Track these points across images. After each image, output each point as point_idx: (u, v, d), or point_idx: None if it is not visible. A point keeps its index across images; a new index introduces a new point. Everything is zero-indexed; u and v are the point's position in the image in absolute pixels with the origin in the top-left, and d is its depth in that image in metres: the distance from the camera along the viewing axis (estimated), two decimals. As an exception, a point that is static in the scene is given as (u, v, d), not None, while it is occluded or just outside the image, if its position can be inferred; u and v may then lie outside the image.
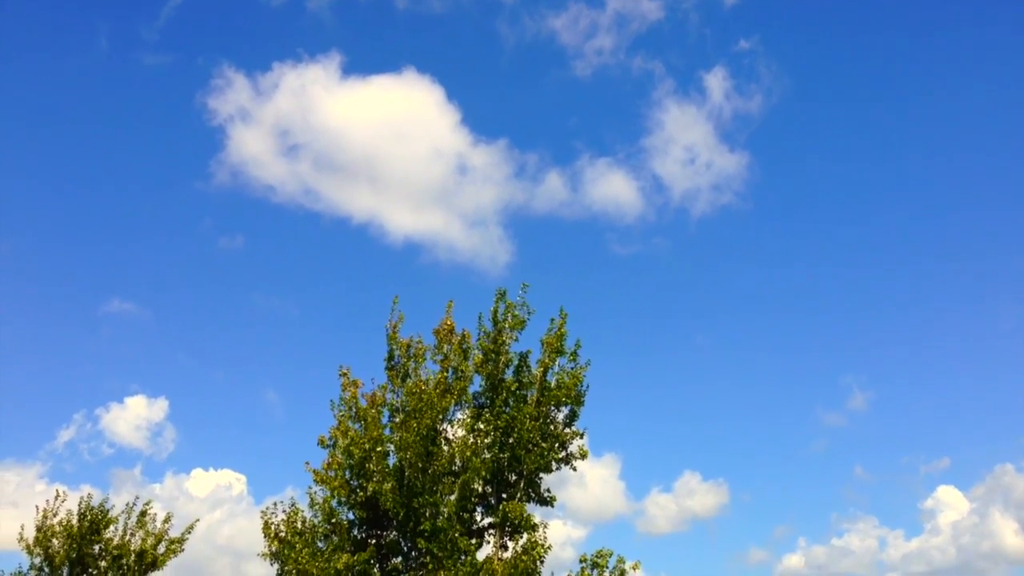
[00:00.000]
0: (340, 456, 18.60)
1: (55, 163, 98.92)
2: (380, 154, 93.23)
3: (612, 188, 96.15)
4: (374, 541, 18.50)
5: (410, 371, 19.30)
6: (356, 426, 19.00)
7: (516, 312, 20.38)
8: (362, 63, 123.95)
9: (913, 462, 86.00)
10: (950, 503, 73.11)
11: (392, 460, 18.35)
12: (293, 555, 17.79)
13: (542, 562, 18.14)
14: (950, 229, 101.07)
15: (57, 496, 26.12)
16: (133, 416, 77.53)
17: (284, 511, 18.89)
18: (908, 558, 73.19)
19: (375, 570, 17.88)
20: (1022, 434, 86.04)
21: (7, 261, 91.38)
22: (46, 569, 25.36)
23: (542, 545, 18.05)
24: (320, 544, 18.29)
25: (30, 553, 25.49)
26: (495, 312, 20.36)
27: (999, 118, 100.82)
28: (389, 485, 17.81)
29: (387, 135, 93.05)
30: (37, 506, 25.99)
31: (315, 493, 18.73)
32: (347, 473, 18.62)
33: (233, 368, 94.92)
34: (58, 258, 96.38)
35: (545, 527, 18.55)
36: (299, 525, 18.58)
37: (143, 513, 26.47)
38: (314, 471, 18.73)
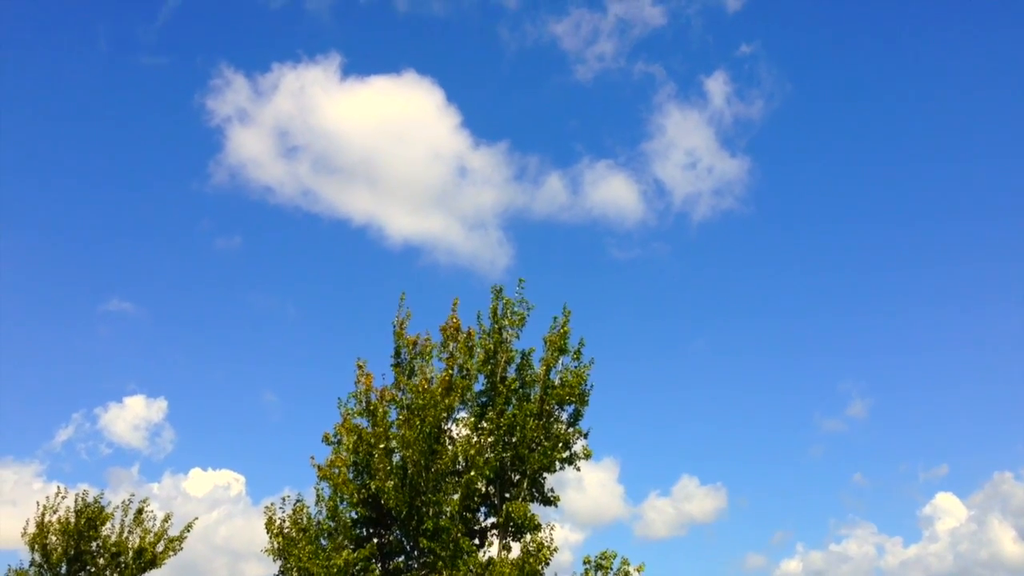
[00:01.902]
0: (345, 453, 18.46)
1: (54, 163, 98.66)
2: (379, 156, 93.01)
3: (613, 192, 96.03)
4: (376, 540, 18.35)
5: (416, 369, 19.15)
6: (363, 422, 18.86)
7: (515, 309, 20.26)
8: (362, 64, 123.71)
9: (912, 469, 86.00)
10: (948, 510, 73.02)
11: (396, 458, 18.19)
12: (296, 552, 17.66)
13: (548, 564, 18.00)
14: (950, 235, 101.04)
15: (57, 492, 26.01)
16: (132, 416, 77.38)
17: (289, 508, 18.76)
18: (906, 565, 73.11)
19: (376, 568, 17.72)
20: (1021, 441, 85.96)
21: (6, 260, 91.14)
22: (45, 566, 25.19)
23: (548, 547, 17.92)
24: (323, 542, 18.16)
25: (31, 548, 25.37)
26: (494, 310, 20.23)
27: (1001, 123, 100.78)
28: (392, 483, 17.67)
29: (387, 137, 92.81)
30: (38, 502, 25.88)
31: (321, 490, 18.60)
32: (350, 471, 18.47)
33: (231, 368, 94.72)
34: (57, 257, 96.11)
35: (552, 528, 18.43)
36: (303, 521, 18.45)
37: (140, 511, 26.33)
38: (318, 466, 18.59)
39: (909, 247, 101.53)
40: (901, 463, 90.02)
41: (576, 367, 20.13)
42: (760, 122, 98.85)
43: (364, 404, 18.93)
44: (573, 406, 20.09)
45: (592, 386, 20.17)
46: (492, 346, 19.92)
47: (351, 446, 18.29)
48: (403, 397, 18.83)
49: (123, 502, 26.41)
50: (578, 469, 20.11)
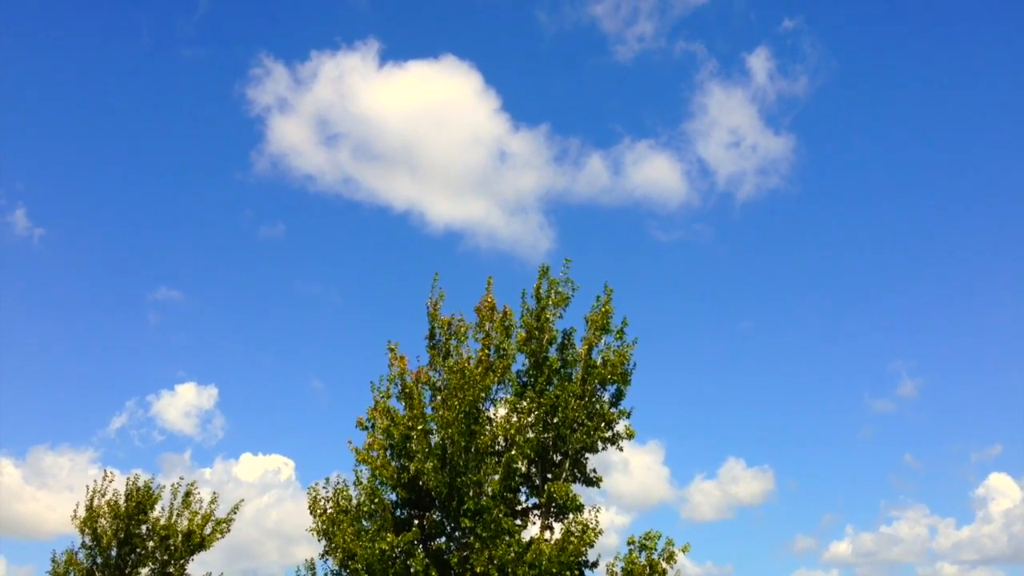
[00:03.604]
0: (380, 437, 18.36)
1: (100, 156, 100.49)
2: (419, 142, 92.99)
3: (655, 173, 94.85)
4: (417, 521, 18.24)
5: (451, 349, 18.96)
6: (397, 404, 18.75)
7: (560, 289, 19.91)
8: (400, 50, 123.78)
9: (964, 449, 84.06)
10: (1002, 490, 71.29)
11: (434, 439, 18.02)
12: (339, 533, 17.65)
13: (592, 546, 17.71)
14: (1002, 214, 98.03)
15: (105, 476, 26.36)
16: (183, 403, 78.77)
17: (332, 488, 18.76)
18: (959, 546, 71.61)
19: (419, 551, 17.61)
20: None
21: (57, 253, 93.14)
22: (96, 549, 25.58)
23: (593, 529, 17.61)
24: (365, 523, 18.11)
25: (81, 532, 25.77)
26: (538, 289, 19.92)
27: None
28: (431, 464, 17.51)
29: (426, 122, 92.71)
30: (87, 486, 26.26)
31: (360, 472, 18.55)
32: (388, 453, 18.37)
33: (279, 355, 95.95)
34: (105, 248, 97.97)
35: (596, 510, 18.13)
36: (344, 503, 18.43)
37: (188, 494, 26.59)
38: (356, 450, 18.53)
39: (960, 226, 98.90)
40: (953, 443, 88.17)
41: (619, 346, 19.77)
42: (805, 99, 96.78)
43: (399, 387, 18.80)
44: (616, 386, 19.73)
45: (635, 365, 19.80)
46: (535, 324, 19.63)
47: (385, 429, 18.16)
48: (438, 378, 18.65)
49: (172, 485, 26.72)
50: (621, 449, 19.78)
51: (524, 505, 19.09)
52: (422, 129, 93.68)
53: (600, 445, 19.44)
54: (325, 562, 18.37)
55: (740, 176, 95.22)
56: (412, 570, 17.39)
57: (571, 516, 18.01)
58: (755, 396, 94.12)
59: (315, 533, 18.49)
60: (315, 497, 18.63)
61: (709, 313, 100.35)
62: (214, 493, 26.93)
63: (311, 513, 18.59)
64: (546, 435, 18.98)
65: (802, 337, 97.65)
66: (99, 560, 25.45)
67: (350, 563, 17.67)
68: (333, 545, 18.01)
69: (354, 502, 18.48)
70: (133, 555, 25.71)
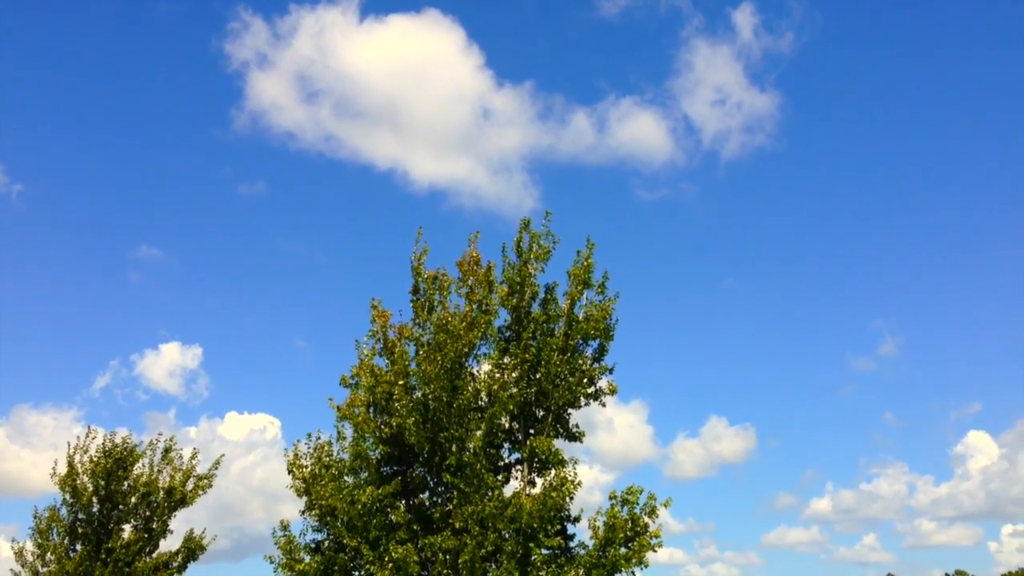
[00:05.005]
0: (364, 394, 18.21)
1: (76, 115, 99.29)
2: (401, 99, 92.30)
3: (640, 130, 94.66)
4: (400, 477, 18.18)
5: (435, 303, 18.77)
6: (380, 362, 18.59)
7: (541, 242, 19.69)
8: (381, 3, 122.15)
9: (943, 407, 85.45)
10: (980, 448, 72.57)
11: (417, 395, 17.90)
12: (318, 489, 17.54)
13: (571, 499, 17.72)
14: (982, 174, 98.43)
15: (88, 434, 26.14)
16: (167, 362, 78.66)
17: (312, 446, 18.64)
18: (938, 503, 72.91)
19: (400, 505, 17.57)
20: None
21: (35, 213, 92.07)
22: (76, 505, 25.44)
23: (572, 481, 17.61)
24: (347, 479, 18.04)
25: (62, 489, 25.61)
26: (519, 242, 19.70)
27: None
28: (413, 419, 17.41)
29: (408, 79, 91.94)
30: (68, 442, 26.04)
31: (342, 428, 18.45)
32: (371, 410, 18.24)
33: (262, 315, 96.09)
34: (84, 207, 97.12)
35: (575, 463, 18.12)
36: (327, 459, 18.32)
37: (168, 450, 26.44)
38: (337, 407, 18.40)
39: (942, 186, 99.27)
40: (932, 402, 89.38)
41: (601, 301, 19.63)
42: (790, 55, 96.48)
43: (382, 342, 18.62)
44: (598, 341, 19.64)
45: (617, 320, 19.69)
46: (517, 279, 19.43)
47: (369, 387, 18.00)
48: (422, 333, 18.49)
49: (151, 441, 26.54)
50: (603, 405, 19.73)
51: (506, 460, 19.06)
52: (404, 86, 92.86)
53: (583, 400, 19.39)
54: (305, 520, 18.29)
55: (725, 134, 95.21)
56: (393, 522, 17.36)
57: (553, 471, 17.99)
58: (737, 355, 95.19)
59: (294, 491, 18.39)
60: (295, 454, 18.49)
61: (693, 272, 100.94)
62: (194, 449, 26.81)
63: (288, 471, 18.46)
64: (529, 390, 18.89)
65: (784, 296, 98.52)
66: (81, 516, 25.34)
67: (329, 519, 17.60)
68: (312, 502, 17.91)
69: (336, 458, 18.38)
70: (115, 511, 25.60)
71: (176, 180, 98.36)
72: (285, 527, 18.19)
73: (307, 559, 17.86)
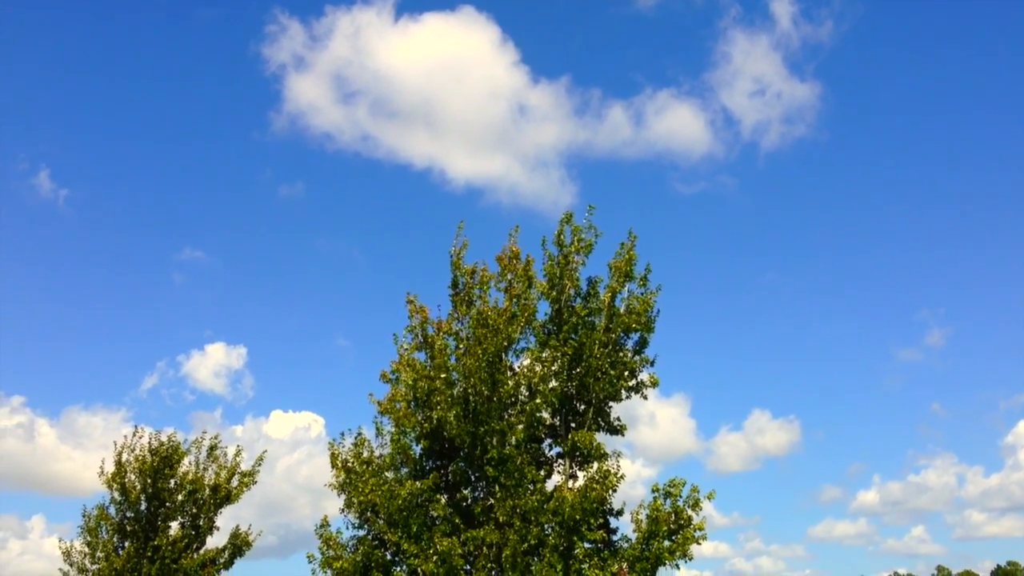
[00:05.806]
0: (404, 388, 18.18)
1: (120, 120, 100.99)
2: (437, 97, 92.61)
3: (677, 123, 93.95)
4: (441, 472, 18.13)
5: (474, 298, 18.71)
6: (420, 356, 18.56)
7: (583, 235, 19.51)
8: (415, 2, 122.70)
9: (992, 397, 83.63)
10: (1031, 437, 70.74)
11: (458, 389, 17.84)
12: (359, 484, 17.54)
13: (614, 492, 17.55)
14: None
15: (135, 433, 26.54)
16: (213, 363, 79.70)
17: (352, 442, 18.65)
18: (988, 494, 71.36)
19: (441, 499, 17.52)
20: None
21: (81, 214, 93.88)
22: (125, 503, 25.83)
23: (614, 474, 17.44)
24: (388, 474, 18.01)
25: (109, 487, 26.02)
26: (559, 235, 19.55)
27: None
28: (454, 413, 17.36)
29: (443, 77, 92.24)
30: (115, 442, 26.45)
31: (381, 424, 18.44)
32: (412, 404, 18.21)
33: (304, 314, 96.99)
34: (128, 211, 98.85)
35: (618, 456, 17.95)
36: (366, 455, 18.32)
37: (213, 447, 26.75)
38: (377, 402, 18.41)
39: (988, 175, 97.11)
40: (981, 392, 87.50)
41: (642, 293, 19.43)
42: (830, 44, 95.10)
43: (421, 338, 18.60)
44: (639, 334, 19.44)
45: (658, 313, 19.46)
46: (558, 271, 19.29)
47: (410, 381, 17.97)
48: (461, 327, 18.43)
49: (195, 440, 26.86)
50: (644, 397, 19.54)
51: (548, 455, 18.95)
52: (439, 84, 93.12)
53: (624, 393, 19.21)
54: (345, 516, 18.31)
55: (765, 125, 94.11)
56: (433, 517, 17.32)
57: (595, 464, 17.85)
58: (780, 348, 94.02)
59: (334, 488, 18.38)
60: (335, 451, 18.49)
61: (733, 265, 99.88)
62: (238, 446, 27.13)
63: (332, 467, 18.45)
64: (569, 384, 18.75)
65: (828, 287, 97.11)
66: (129, 514, 25.73)
67: (370, 515, 17.61)
68: (352, 497, 17.90)
69: (377, 453, 18.38)
70: (163, 509, 25.96)
71: (217, 183, 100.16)
72: (325, 524, 18.22)
73: (347, 555, 17.85)
